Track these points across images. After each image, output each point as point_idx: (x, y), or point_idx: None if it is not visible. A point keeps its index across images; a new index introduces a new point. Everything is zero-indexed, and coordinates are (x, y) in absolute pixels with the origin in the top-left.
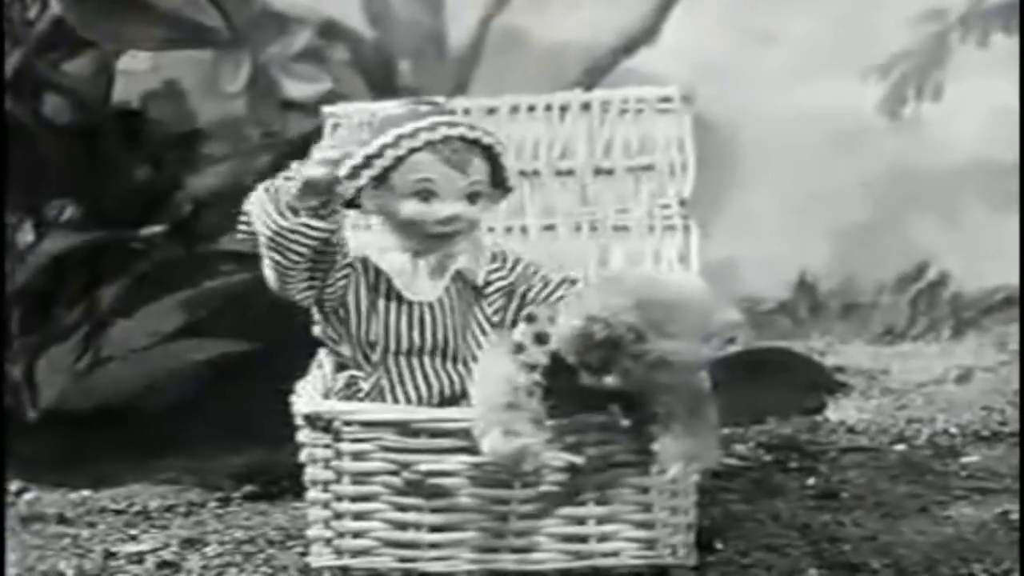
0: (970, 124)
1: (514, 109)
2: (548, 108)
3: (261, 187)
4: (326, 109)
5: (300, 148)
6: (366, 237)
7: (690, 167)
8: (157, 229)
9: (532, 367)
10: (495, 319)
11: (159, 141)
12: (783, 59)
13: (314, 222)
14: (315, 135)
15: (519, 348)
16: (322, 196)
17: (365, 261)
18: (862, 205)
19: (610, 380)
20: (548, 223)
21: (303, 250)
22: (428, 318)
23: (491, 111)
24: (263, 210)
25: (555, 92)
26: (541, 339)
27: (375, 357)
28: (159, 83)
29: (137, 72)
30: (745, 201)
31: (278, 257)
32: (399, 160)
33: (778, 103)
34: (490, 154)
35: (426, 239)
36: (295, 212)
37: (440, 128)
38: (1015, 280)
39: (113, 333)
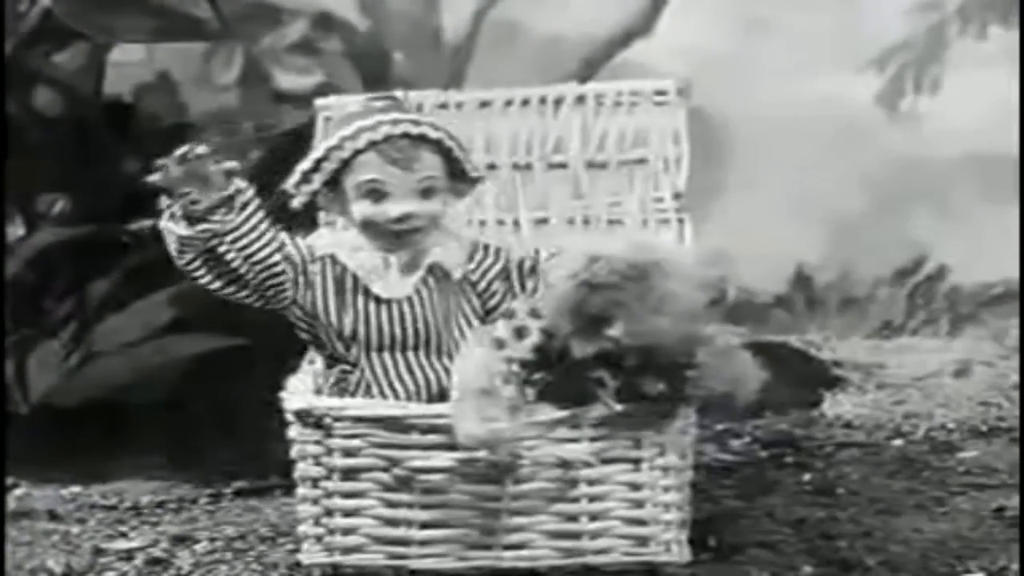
0: (968, 117)
1: (508, 102)
2: (542, 101)
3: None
4: (319, 101)
5: (293, 140)
6: (338, 236)
7: (684, 160)
8: (148, 223)
9: (514, 361)
10: (490, 309)
11: (150, 134)
12: (780, 52)
13: (171, 225)
14: (308, 127)
15: (500, 344)
16: (175, 199)
17: (334, 258)
18: (859, 198)
19: (614, 331)
20: (541, 217)
21: (177, 254)
22: (405, 313)
23: (484, 104)
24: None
25: (550, 85)
26: (521, 334)
27: (354, 354)
28: (151, 75)
29: (129, 64)
30: (741, 194)
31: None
32: (344, 162)
33: (775, 96)
34: (440, 148)
35: (388, 237)
36: (165, 218)
37: (382, 127)
38: (1014, 274)
39: (103, 328)
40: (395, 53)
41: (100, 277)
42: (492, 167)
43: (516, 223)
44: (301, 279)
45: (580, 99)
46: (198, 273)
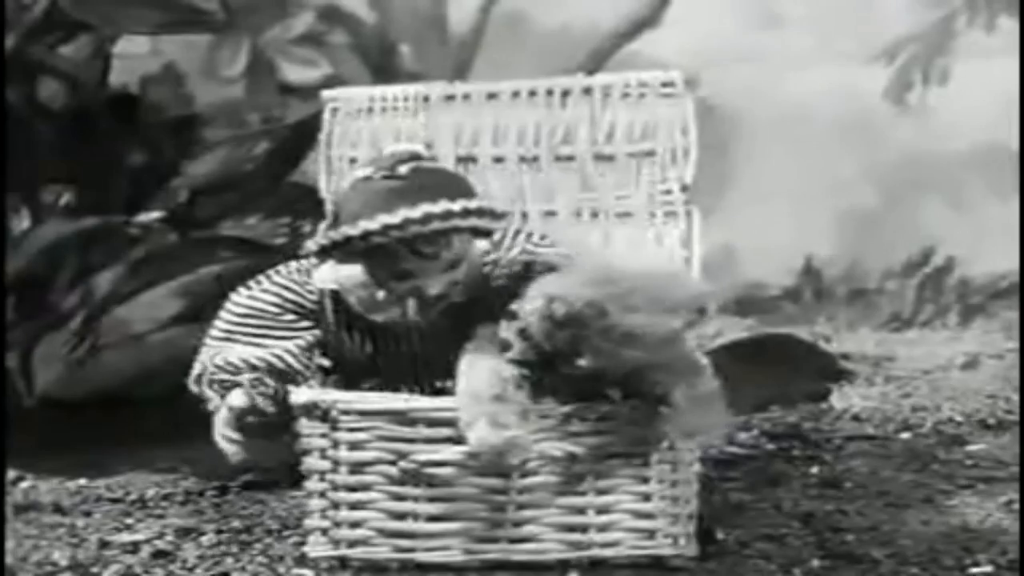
0: (976, 109)
1: (515, 94)
2: (549, 93)
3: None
4: (325, 93)
5: (299, 133)
6: (340, 268)
7: (692, 152)
8: (154, 216)
9: (520, 363)
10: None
11: (156, 125)
12: (788, 44)
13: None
14: (314, 120)
15: (505, 346)
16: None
17: (336, 293)
18: (868, 190)
19: (583, 362)
20: (549, 209)
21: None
22: (413, 340)
23: (491, 96)
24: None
25: (557, 76)
26: (525, 335)
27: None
28: (157, 67)
29: (135, 56)
30: (749, 186)
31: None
32: (371, 249)
33: (783, 88)
34: (470, 229)
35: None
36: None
37: (411, 226)
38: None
39: (110, 320)
40: (402, 45)
41: (106, 269)
42: (499, 160)
43: (524, 215)
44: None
45: (587, 91)
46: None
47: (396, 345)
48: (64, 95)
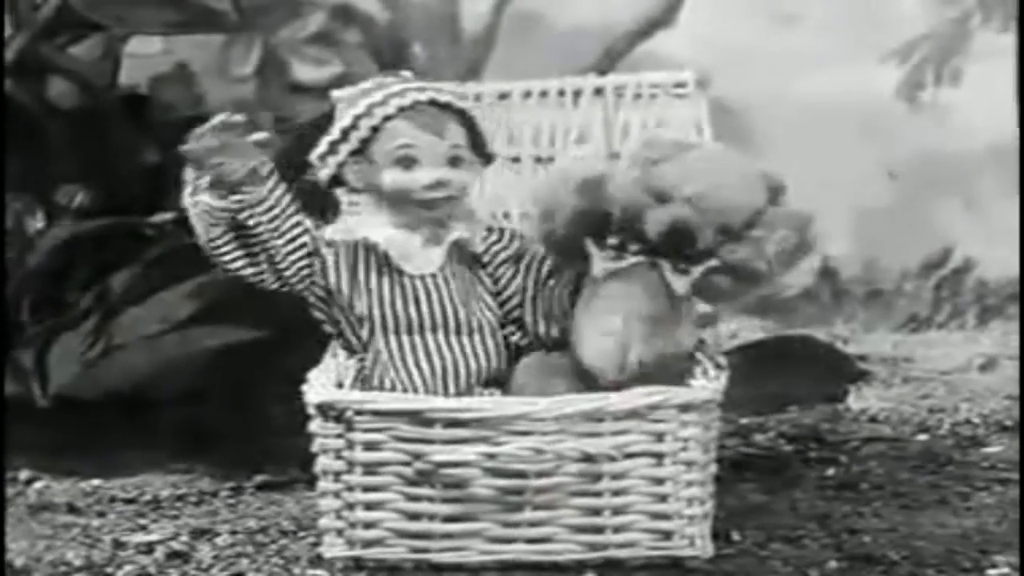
0: (990, 109)
1: (527, 94)
2: (561, 93)
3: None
4: (335, 93)
5: (311, 132)
6: (358, 219)
7: None
8: (168, 215)
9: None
10: (500, 291)
11: (168, 125)
12: (802, 43)
13: (205, 199)
14: (326, 119)
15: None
16: (210, 172)
17: (355, 239)
18: (884, 190)
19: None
20: None
21: (204, 229)
22: (430, 291)
23: (503, 96)
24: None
25: (569, 76)
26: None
27: (373, 336)
28: (169, 66)
29: (147, 55)
30: None
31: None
32: (375, 130)
33: (797, 87)
34: (464, 118)
35: (415, 209)
36: (192, 191)
37: (410, 93)
38: None
39: (124, 320)
40: (414, 44)
41: (121, 269)
42: (515, 160)
43: None
44: (321, 259)
45: (599, 91)
46: (224, 249)
47: (411, 296)
48: (75, 95)
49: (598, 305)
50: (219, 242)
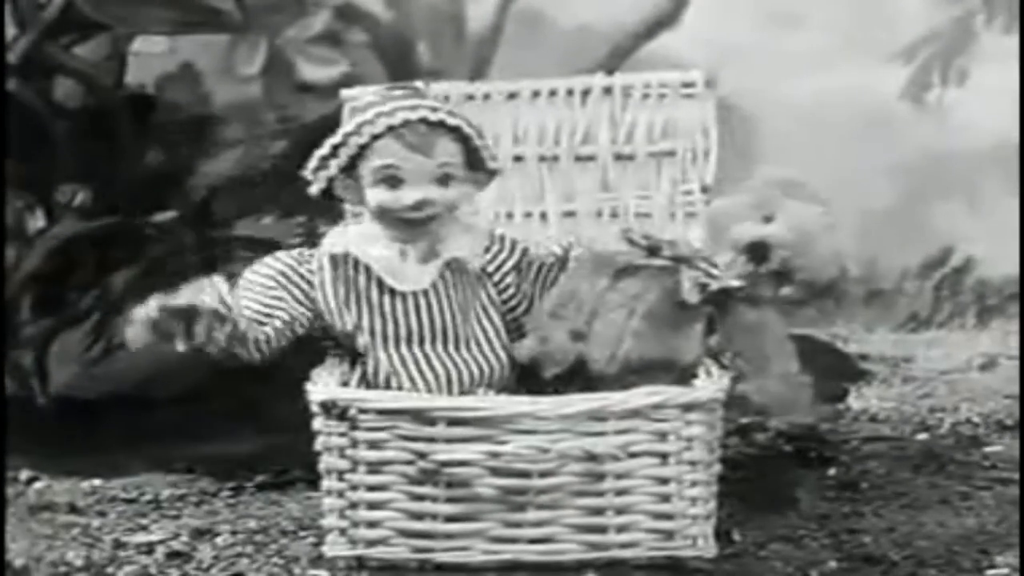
0: (995, 109)
1: (535, 93)
2: (569, 92)
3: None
4: (344, 92)
5: (316, 132)
6: (352, 232)
7: (712, 153)
8: (170, 215)
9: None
10: (505, 300)
11: (173, 125)
12: (806, 43)
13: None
14: (332, 119)
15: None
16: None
17: (346, 256)
18: (886, 190)
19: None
20: (568, 209)
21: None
22: (420, 307)
23: (512, 95)
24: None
25: (576, 76)
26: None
27: (371, 348)
28: (174, 66)
29: (152, 55)
30: None
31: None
32: (363, 148)
33: (801, 87)
34: (459, 135)
35: (404, 226)
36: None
37: (399, 112)
38: None
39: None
40: (419, 44)
41: (122, 269)
42: (519, 159)
43: (543, 216)
44: (319, 276)
45: (607, 90)
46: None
47: (404, 310)
48: (80, 95)
49: (611, 298)
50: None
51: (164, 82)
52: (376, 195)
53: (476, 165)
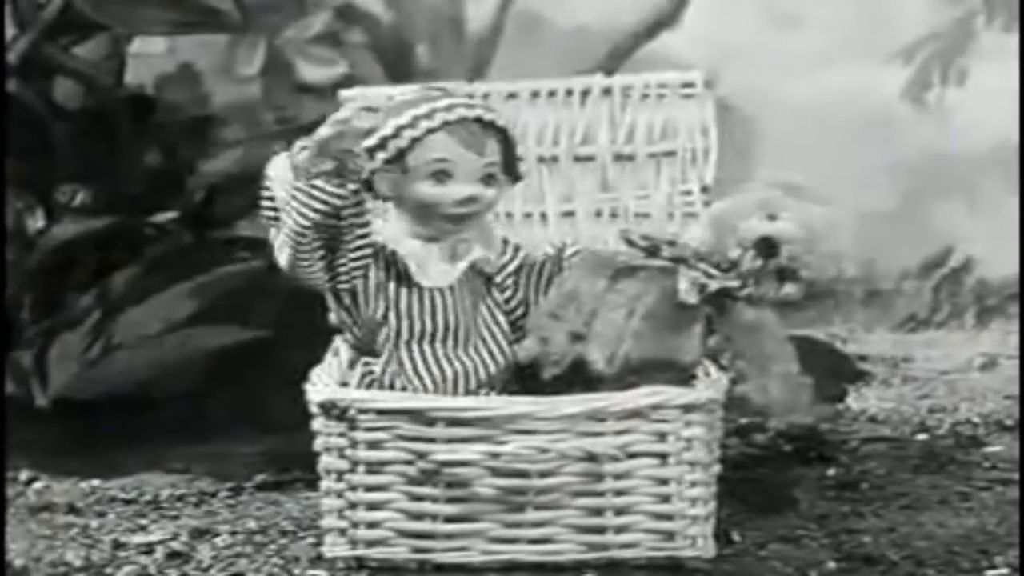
0: (995, 109)
1: (534, 94)
2: (568, 93)
3: (283, 153)
4: (343, 93)
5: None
6: (379, 225)
7: (712, 153)
8: (169, 215)
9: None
10: (507, 301)
11: (172, 125)
12: (806, 43)
13: (325, 185)
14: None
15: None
16: (334, 160)
17: (380, 248)
18: (885, 190)
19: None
20: (568, 209)
21: (314, 216)
22: (440, 304)
23: (511, 96)
24: (281, 174)
25: (576, 76)
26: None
27: (386, 343)
28: (174, 66)
29: (151, 55)
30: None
31: (291, 223)
32: (415, 141)
33: (801, 88)
34: (504, 137)
35: (440, 223)
36: (308, 175)
37: (457, 109)
38: None
39: (124, 320)
40: (419, 45)
41: (121, 269)
42: (518, 159)
43: (543, 216)
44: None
45: (607, 91)
46: (306, 240)
47: (425, 307)
48: (80, 95)
49: (610, 298)
50: (307, 233)
51: (163, 82)
52: (423, 189)
53: (510, 169)
